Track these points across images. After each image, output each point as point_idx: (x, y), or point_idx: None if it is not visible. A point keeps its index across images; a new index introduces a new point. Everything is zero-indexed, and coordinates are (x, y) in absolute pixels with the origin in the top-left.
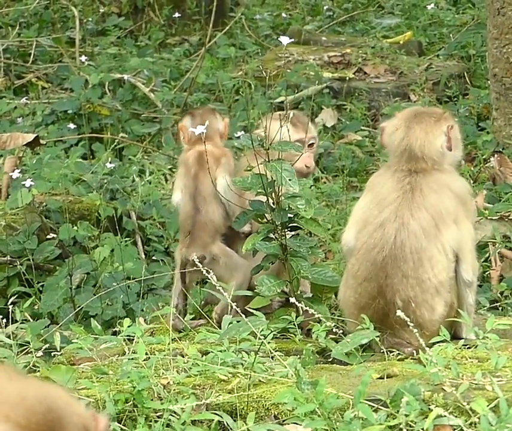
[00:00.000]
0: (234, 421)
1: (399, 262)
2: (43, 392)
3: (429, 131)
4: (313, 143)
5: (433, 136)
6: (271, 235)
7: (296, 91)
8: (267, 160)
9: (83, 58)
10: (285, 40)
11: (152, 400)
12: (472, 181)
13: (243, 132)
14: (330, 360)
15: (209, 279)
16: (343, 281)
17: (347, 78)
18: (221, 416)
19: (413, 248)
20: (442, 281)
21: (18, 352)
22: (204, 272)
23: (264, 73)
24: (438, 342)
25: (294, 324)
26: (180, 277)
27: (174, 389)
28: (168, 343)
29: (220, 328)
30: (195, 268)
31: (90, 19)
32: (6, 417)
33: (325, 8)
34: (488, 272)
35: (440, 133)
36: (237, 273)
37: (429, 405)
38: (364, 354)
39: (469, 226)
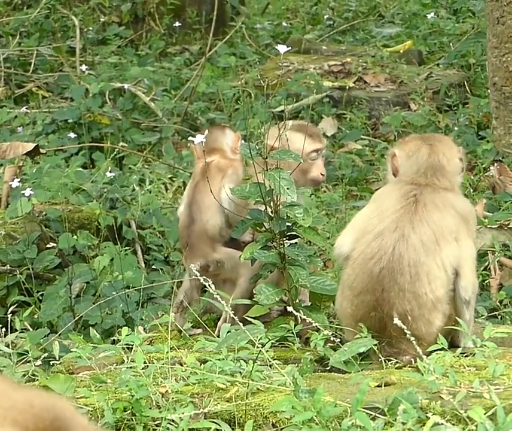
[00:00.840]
0: (232, 429)
1: (396, 275)
2: (50, 401)
3: (451, 147)
4: (324, 152)
5: (454, 152)
6: (270, 244)
7: (295, 100)
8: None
9: (83, 67)
10: (282, 48)
11: (150, 408)
12: (472, 190)
13: (242, 141)
14: (328, 368)
15: (208, 288)
16: (339, 292)
17: (347, 87)
18: (219, 425)
19: (411, 261)
20: (439, 296)
21: (17, 361)
22: (202, 280)
23: (262, 82)
24: (435, 350)
25: (292, 333)
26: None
27: (172, 398)
28: (167, 352)
29: (219, 338)
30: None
31: (91, 28)
32: (14, 421)
33: (325, 17)
34: (487, 281)
35: (457, 151)
36: (243, 270)
37: (427, 413)
38: (362, 362)
39: (471, 244)
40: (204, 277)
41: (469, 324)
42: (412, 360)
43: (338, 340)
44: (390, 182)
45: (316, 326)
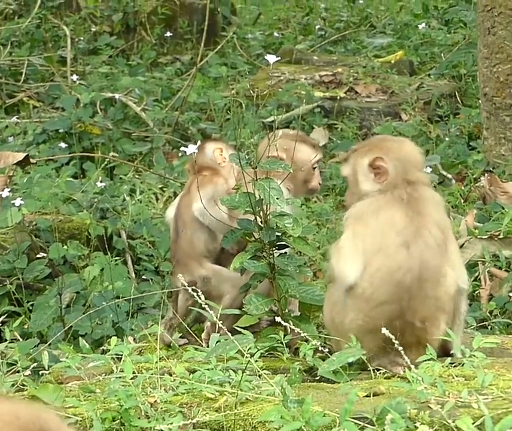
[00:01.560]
0: None
1: (423, 282)
2: (36, 413)
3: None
4: None
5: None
6: (259, 254)
7: (286, 110)
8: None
9: (74, 77)
10: (271, 58)
11: (139, 418)
12: (462, 200)
13: (230, 151)
14: (317, 378)
15: (197, 297)
16: (338, 307)
17: (339, 97)
18: None
19: (434, 266)
20: (451, 295)
21: (6, 371)
22: (190, 290)
23: (251, 91)
24: (425, 361)
25: (282, 343)
26: (174, 299)
27: (161, 408)
28: (156, 362)
29: (208, 347)
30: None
31: (82, 38)
32: None
33: (316, 27)
34: (477, 291)
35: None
36: (228, 287)
37: (415, 423)
38: (352, 372)
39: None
40: (193, 287)
41: (464, 317)
42: (401, 370)
43: (327, 350)
44: (367, 196)
45: (305, 336)
